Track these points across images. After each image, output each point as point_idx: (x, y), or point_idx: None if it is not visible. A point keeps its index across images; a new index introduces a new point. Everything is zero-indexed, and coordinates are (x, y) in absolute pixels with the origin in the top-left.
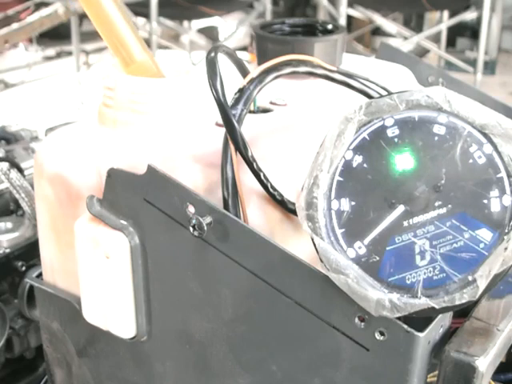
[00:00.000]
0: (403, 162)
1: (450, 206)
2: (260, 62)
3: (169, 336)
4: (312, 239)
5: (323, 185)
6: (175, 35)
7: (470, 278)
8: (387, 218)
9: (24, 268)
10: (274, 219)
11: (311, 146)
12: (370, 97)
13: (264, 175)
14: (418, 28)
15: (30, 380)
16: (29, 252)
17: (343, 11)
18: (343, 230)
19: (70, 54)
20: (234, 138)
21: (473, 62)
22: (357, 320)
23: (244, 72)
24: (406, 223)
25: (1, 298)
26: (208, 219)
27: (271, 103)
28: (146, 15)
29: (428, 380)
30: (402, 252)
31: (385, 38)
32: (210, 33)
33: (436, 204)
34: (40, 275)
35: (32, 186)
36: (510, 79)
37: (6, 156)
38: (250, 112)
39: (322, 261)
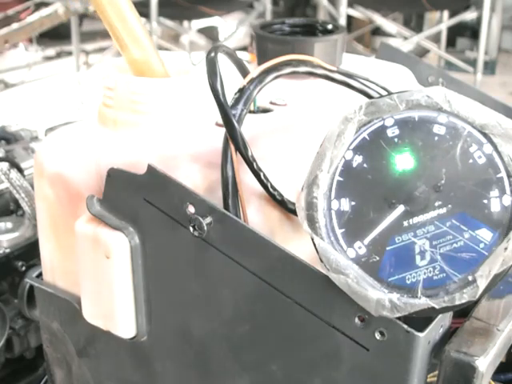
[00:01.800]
0: (403, 161)
1: (449, 206)
2: (260, 62)
3: (169, 336)
4: (312, 239)
5: (323, 185)
6: (175, 35)
7: (470, 277)
8: (387, 218)
9: (24, 268)
10: (274, 219)
11: (311, 146)
12: (370, 97)
13: (264, 175)
14: (418, 28)
15: (30, 380)
16: (29, 252)
17: (343, 11)
18: (343, 229)
19: (70, 54)
20: (234, 138)
21: (473, 62)
22: (357, 320)
23: (244, 72)
24: (405, 223)
25: (1, 298)
26: (208, 219)
27: (271, 103)
28: (146, 15)
29: (428, 380)
30: (402, 252)
31: (385, 38)
32: (210, 33)
33: (436, 204)
34: (40, 275)
35: (32, 186)
36: (510, 79)
37: (5, 156)
38: (250, 112)
39: (322, 261)
